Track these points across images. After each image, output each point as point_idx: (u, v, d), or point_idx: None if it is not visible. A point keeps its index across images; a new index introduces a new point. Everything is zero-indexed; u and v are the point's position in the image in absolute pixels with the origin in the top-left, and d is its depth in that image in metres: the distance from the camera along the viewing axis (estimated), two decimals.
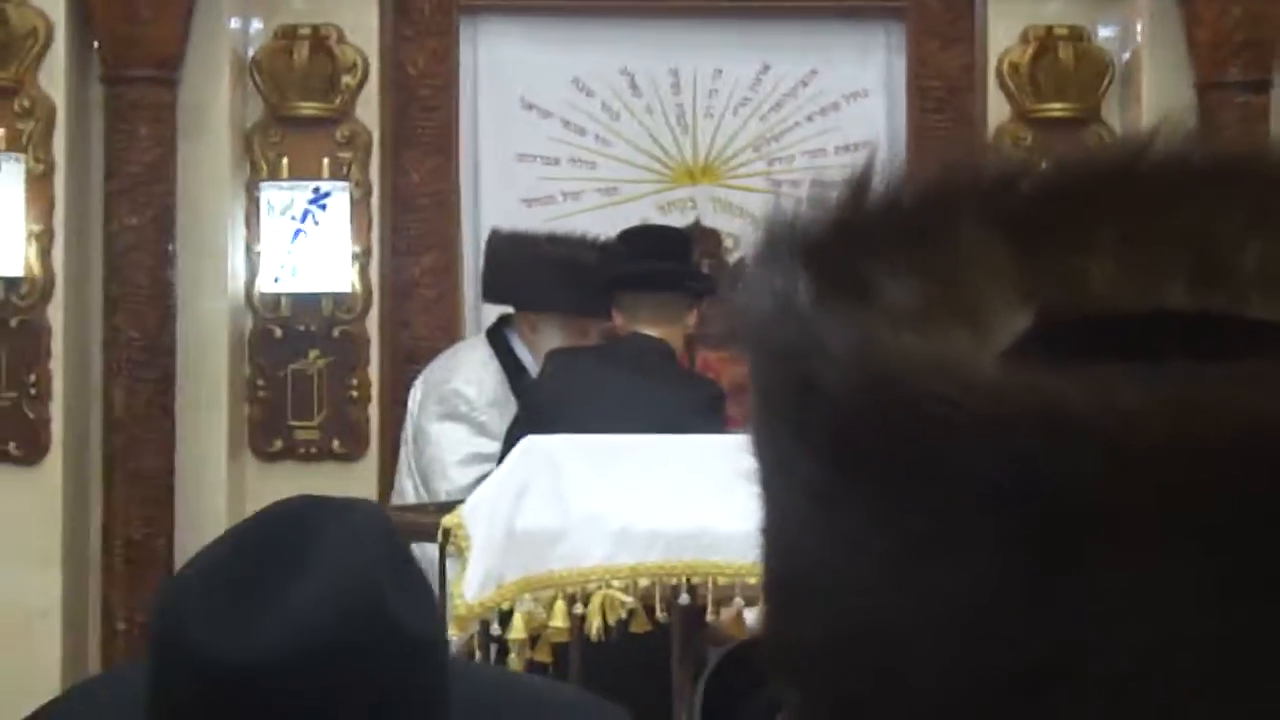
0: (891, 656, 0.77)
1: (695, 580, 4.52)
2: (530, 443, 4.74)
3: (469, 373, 6.25)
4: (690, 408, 5.31)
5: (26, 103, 7.02)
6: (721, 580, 4.49)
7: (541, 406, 5.53)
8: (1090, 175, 0.86)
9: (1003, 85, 7.76)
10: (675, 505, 4.52)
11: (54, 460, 7.03)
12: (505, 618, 4.58)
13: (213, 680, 1.86)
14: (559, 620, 4.53)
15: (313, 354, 7.68)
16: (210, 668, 1.86)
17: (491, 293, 6.59)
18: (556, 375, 5.64)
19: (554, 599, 4.55)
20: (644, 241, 5.99)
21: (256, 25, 7.73)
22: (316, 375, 7.67)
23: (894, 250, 0.82)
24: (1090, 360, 0.71)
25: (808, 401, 0.77)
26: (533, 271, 6.11)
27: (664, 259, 5.81)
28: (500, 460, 5.41)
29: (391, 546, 2.01)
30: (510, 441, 5.40)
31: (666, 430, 4.95)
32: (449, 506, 4.77)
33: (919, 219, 0.84)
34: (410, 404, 6.57)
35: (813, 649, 0.82)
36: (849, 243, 0.84)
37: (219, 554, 1.98)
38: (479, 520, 4.62)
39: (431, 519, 4.74)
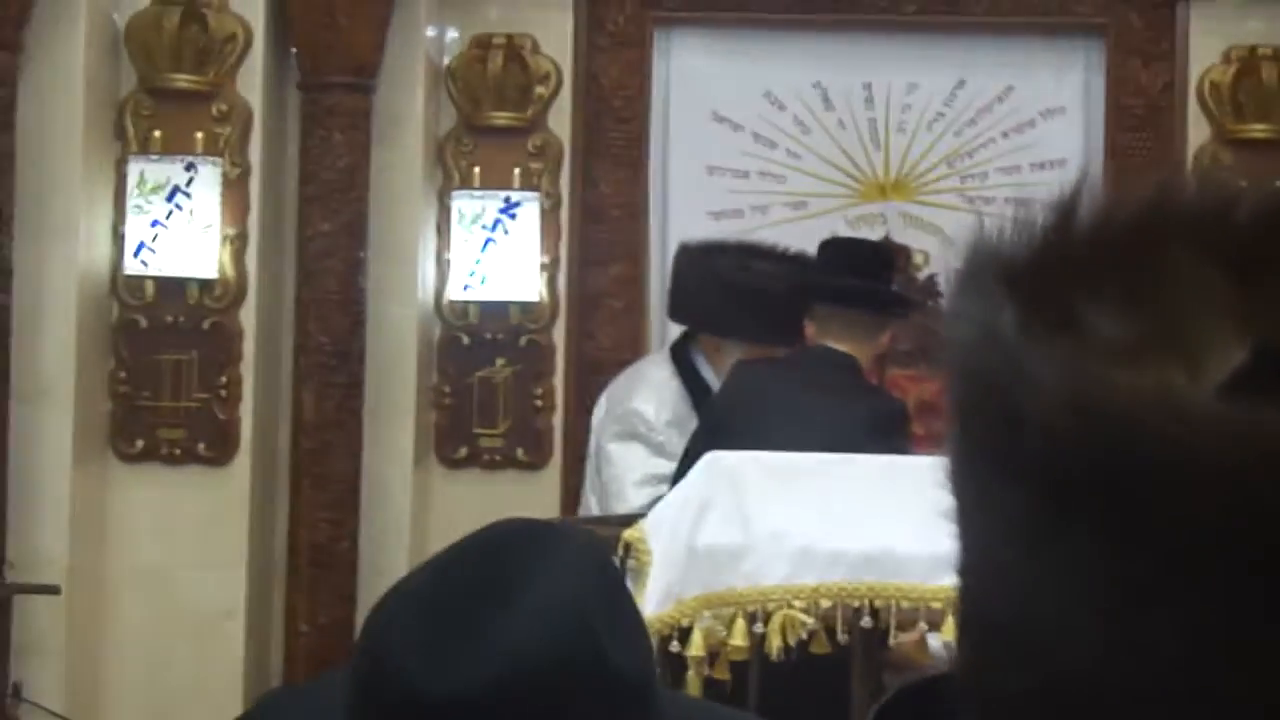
0: (1109, 714, 0.74)
1: (878, 603, 4.47)
2: (713, 458, 4.70)
3: (648, 391, 6.22)
4: (870, 423, 5.24)
5: (224, 107, 7.10)
6: (905, 604, 4.42)
7: (719, 419, 5.50)
8: None
9: (1203, 105, 7.61)
10: (859, 525, 4.47)
11: (242, 462, 7.11)
12: (684, 634, 4.55)
13: (419, 711, 1.84)
14: (738, 639, 4.49)
15: (499, 362, 7.70)
16: (417, 698, 1.82)
17: (678, 313, 6.55)
18: (736, 388, 5.61)
19: (734, 617, 4.51)
20: (844, 254, 5.89)
21: (452, 34, 7.77)
22: (502, 384, 7.69)
23: (1101, 278, 0.79)
24: None
25: (1014, 434, 0.75)
26: (720, 297, 6.05)
27: (863, 275, 5.70)
28: (677, 475, 5.39)
29: (607, 580, 1.96)
30: (688, 454, 5.41)
31: (844, 445, 4.89)
32: (630, 520, 4.74)
33: (1127, 245, 0.81)
34: (593, 419, 6.56)
35: (1019, 699, 0.78)
36: (1054, 269, 0.81)
37: (427, 580, 1.94)
38: (660, 535, 4.59)
39: (613, 532, 4.71)
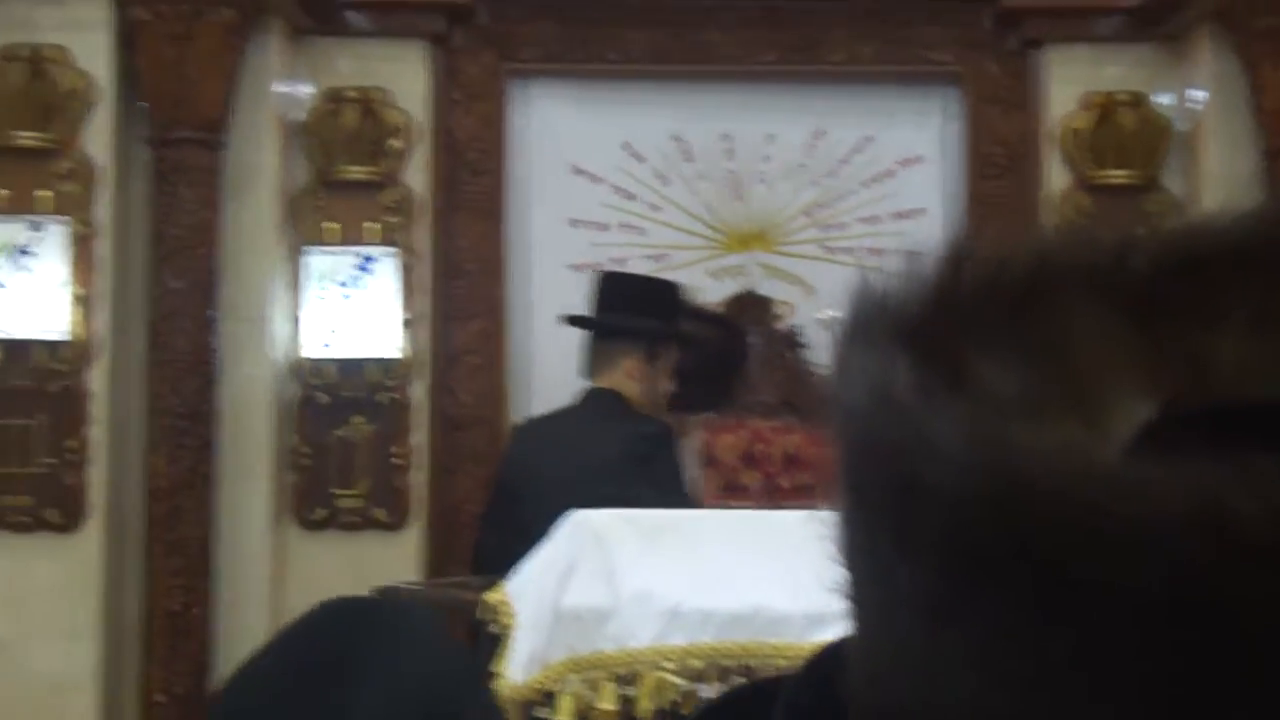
0: None
1: (752, 663, 4.36)
2: (578, 517, 4.59)
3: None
4: (627, 445, 5.25)
5: (71, 164, 6.94)
6: (781, 663, 4.32)
7: (502, 481, 5.59)
8: (1214, 250, 0.77)
9: (1063, 151, 7.63)
10: (730, 583, 4.37)
11: (93, 528, 6.92)
12: (551, 699, 4.43)
13: None
14: (607, 703, 4.37)
15: (357, 421, 7.56)
16: None
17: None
18: (517, 446, 5.69)
19: (602, 681, 4.40)
20: (600, 290, 5.78)
21: (304, 88, 7.65)
22: (361, 442, 7.55)
23: (996, 330, 0.74)
24: (1230, 455, 0.65)
25: (913, 504, 0.70)
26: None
27: (607, 309, 5.67)
28: (478, 542, 5.52)
29: (452, 657, 1.88)
30: (486, 520, 5.55)
31: (604, 471, 4.99)
32: (493, 584, 4.62)
33: (1020, 295, 0.75)
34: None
35: None
36: (946, 322, 0.75)
37: (271, 665, 1.85)
38: (524, 597, 4.47)
39: (476, 596, 4.59)
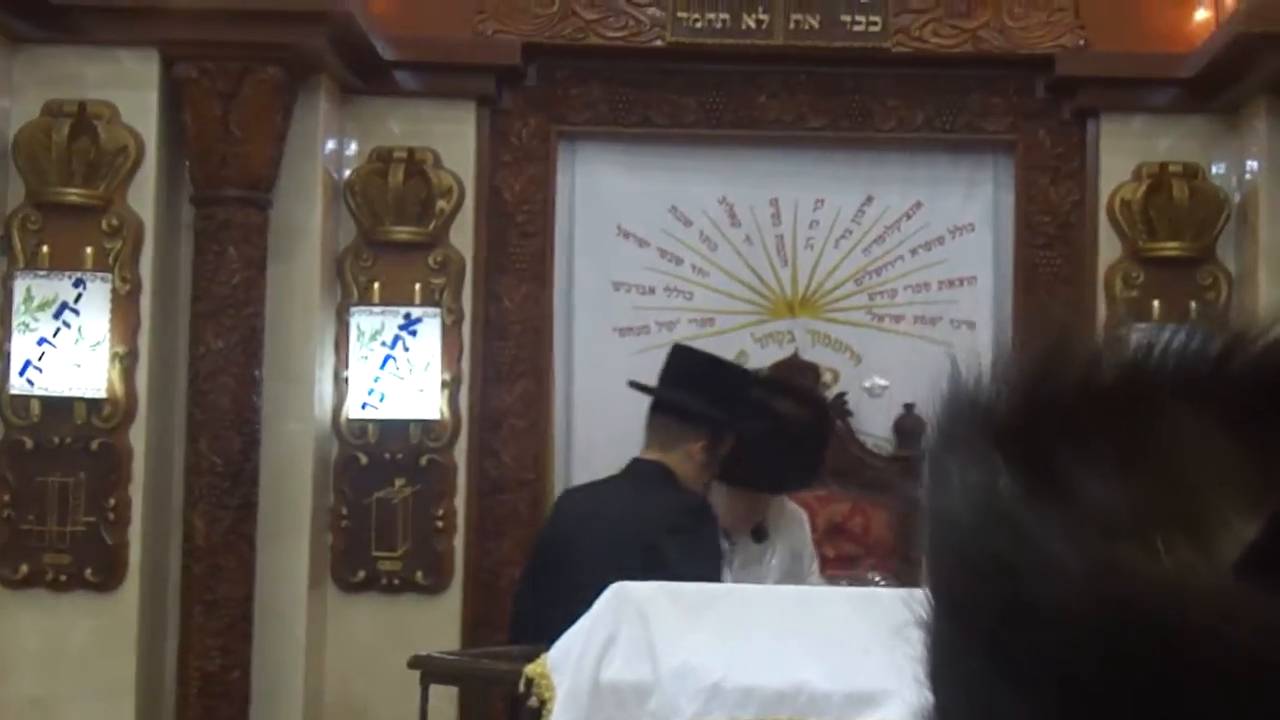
0: None
1: None
2: (619, 589, 4.52)
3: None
4: (664, 517, 5.17)
5: (115, 221, 6.92)
6: None
7: (542, 548, 5.53)
8: None
9: (1114, 222, 7.55)
10: (772, 660, 4.29)
11: (130, 588, 6.87)
12: None
13: None
14: None
15: (399, 483, 7.51)
16: None
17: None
18: (555, 517, 5.66)
19: None
20: (670, 365, 5.69)
21: (351, 147, 7.63)
22: (401, 504, 7.49)
23: (1093, 436, 0.70)
24: None
25: (1023, 627, 0.66)
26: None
27: (672, 385, 5.57)
28: (517, 612, 5.44)
29: None
30: (525, 587, 5.50)
31: (636, 537, 4.97)
32: (532, 654, 4.55)
33: (1118, 399, 0.72)
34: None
35: None
36: (1044, 427, 0.71)
37: None
38: (564, 670, 4.40)
39: (514, 667, 4.52)
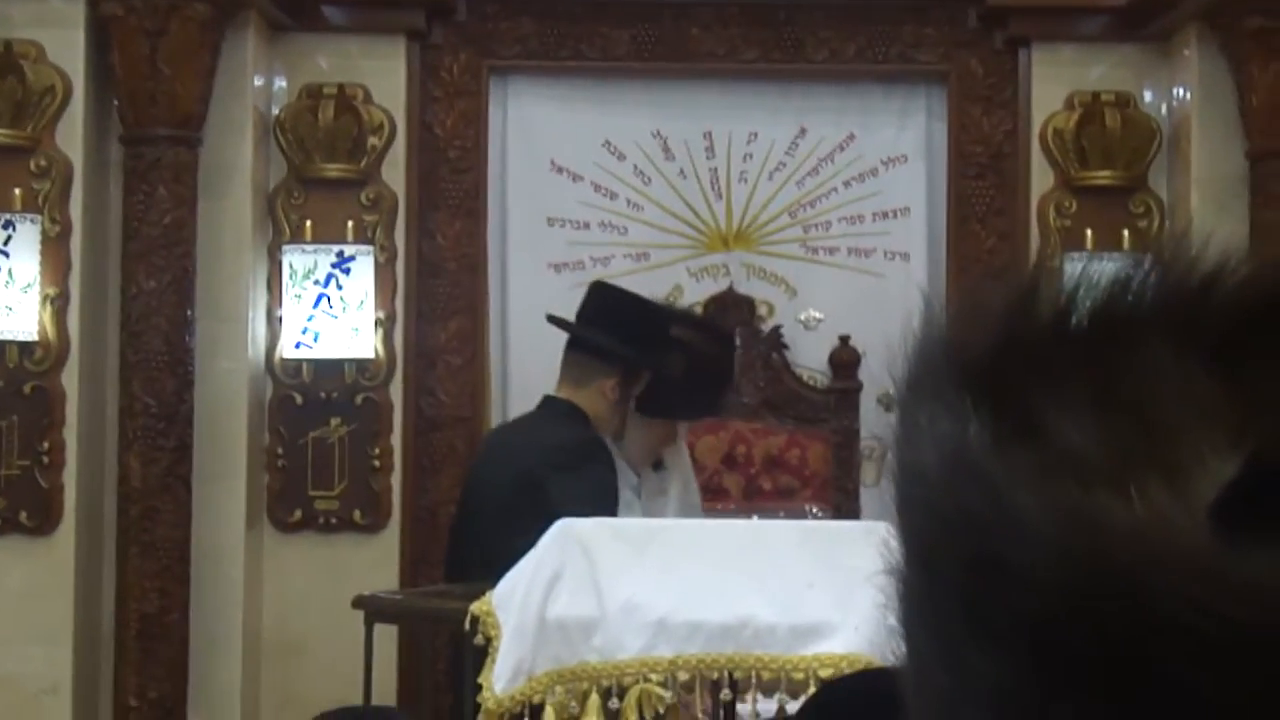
0: None
1: (738, 674, 4.30)
2: (563, 526, 4.51)
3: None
4: (548, 453, 5.25)
5: (43, 162, 6.84)
6: (766, 675, 4.25)
7: (464, 482, 5.79)
8: None
9: (1046, 152, 7.57)
10: (717, 594, 4.30)
11: (66, 531, 6.83)
12: (535, 711, 4.35)
13: None
14: (593, 715, 4.30)
15: (334, 422, 7.48)
16: None
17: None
18: (479, 450, 5.96)
19: (588, 692, 4.32)
20: (589, 301, 5.70)
21: (281, 84, 7.56)
22: (338, 443, 7.46)
23: (1068, 375, 0.68)
24: None
25: (992, 584, 0.64)
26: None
27: (594, 324, 5.57)
28: (449, 549, 5.57)
29: None
30: (452, 527, 5.67)
31: (516, 478, 5.12)
32: (476, 592, 4.54)
33: (1094, 336, 0.70)
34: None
35: None
36: (1015, 368, 0.69)
37: None
38: (509, 607, 4.39)
39: (458, 605, 4.51)
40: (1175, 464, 0.65)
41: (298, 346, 7.45)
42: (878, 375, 7.47)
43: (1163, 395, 0.67)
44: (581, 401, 5.44)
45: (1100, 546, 0.62)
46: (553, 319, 5.73)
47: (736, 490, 7.64)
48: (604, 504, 5.04)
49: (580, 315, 5.62)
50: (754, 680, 4.30)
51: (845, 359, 7.71)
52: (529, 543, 4.48)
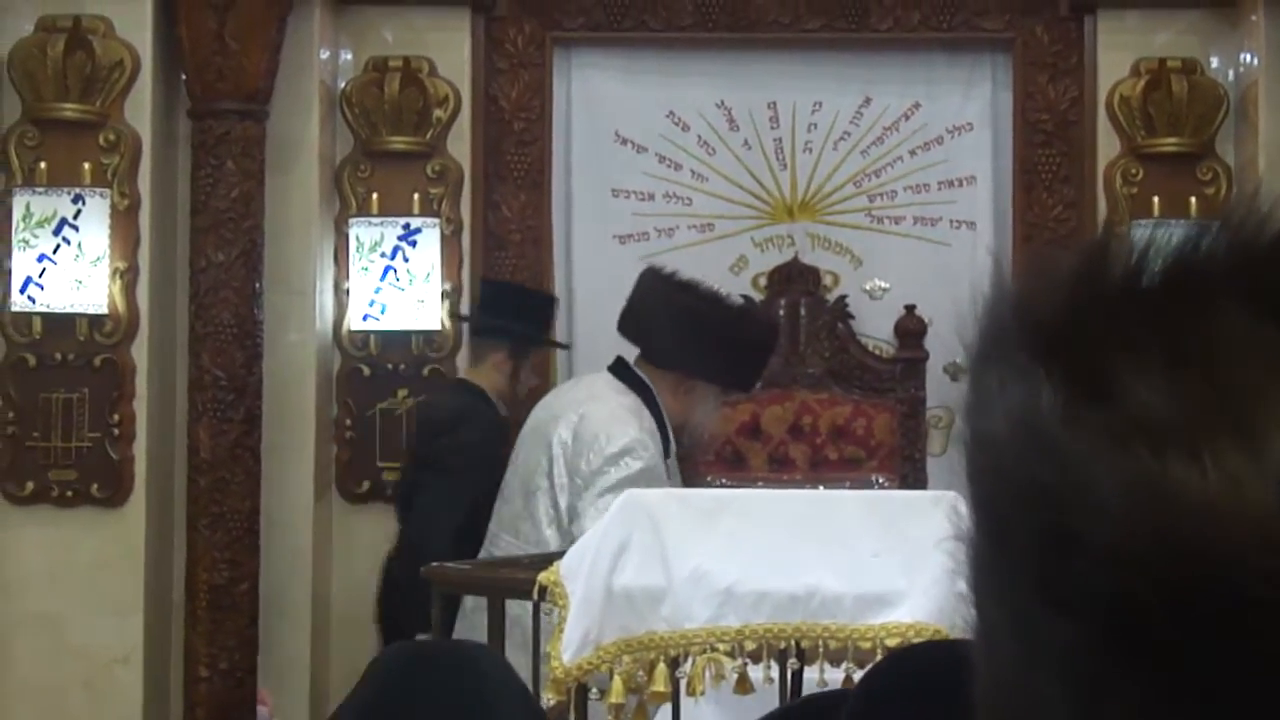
0: None
1: (805, 644, 4.30)
2: (630, 496, 4.54)
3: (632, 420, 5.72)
4: (430, 418, 6.76)
5: (112, 136, 6.88)
6: (833, 645, 4.26)
7: None
8: None
9: (1112, 119, 7.52)
10: (784, 564, 4.30)
11: (137, 503, 6.88)
12: (603, 680, 4.37)
13: None
14: (660, 684, 4.32)
15: (401, 393, 7.51)
16: None
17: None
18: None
19: (655, 661, 4.34)
20: (481, 295, 7.05)
21: (346, 57, 7.59)
22: (405, 415, 7.49)
23: (1140, 338, 0.68)
24: None
25: (1063, 555, 0.64)
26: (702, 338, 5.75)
27: (485, 311, 6.80)
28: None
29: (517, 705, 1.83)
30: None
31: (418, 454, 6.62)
32: (545, 561, 4.56)
33: (1167, 297, 0.70)
34: (556, 448, 5.80)
35: None
36: (1088, 330, 0.69)
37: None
38: (577, 577, 4.41)
39: (527, 575, 4.53)
40: (1249, 427, 0.65)
41: (365, 319, 7.48)
42: (944, 344, 7.46)
43: (1235, 356, 0.67)
44: (477, 378, 6.68)
45: (1171, 518, 0.62)
46: (456, 316, 7.33)
47: (803, 460, 7.64)
48: (481, 475, 6.17)
49: (476, 309, 7.07)
50: (821, 649, 4.30)
51: (911, 328, 7.70)
52: None
